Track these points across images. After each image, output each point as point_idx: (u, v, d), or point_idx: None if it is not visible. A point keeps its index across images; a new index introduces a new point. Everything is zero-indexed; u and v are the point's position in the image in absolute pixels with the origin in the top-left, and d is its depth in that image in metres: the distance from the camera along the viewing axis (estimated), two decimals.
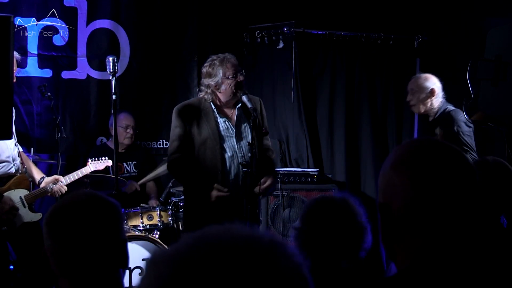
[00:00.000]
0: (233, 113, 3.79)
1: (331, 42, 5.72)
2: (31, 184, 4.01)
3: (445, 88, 5.26)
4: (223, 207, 3.66)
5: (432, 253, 1.15)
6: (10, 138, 2.93)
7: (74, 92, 5.27)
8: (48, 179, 3.98)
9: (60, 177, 4.03)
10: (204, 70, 3.76)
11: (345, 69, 5.80)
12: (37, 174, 4.03)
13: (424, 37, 5.70)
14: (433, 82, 4.29)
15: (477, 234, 1.18)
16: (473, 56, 4.01)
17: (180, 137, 3.72)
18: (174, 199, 4.97)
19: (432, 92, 4.24)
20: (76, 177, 4.19)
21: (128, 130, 5.07)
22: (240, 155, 3.75)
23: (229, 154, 3.73)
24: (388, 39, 5.69)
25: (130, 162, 5.13)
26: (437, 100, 4.26)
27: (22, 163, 3.94)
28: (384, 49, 5.74)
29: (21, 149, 4.07)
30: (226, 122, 3.75)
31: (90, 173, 4.43)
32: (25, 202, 3.85)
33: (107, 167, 4.55)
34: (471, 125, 4.11)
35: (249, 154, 3.63)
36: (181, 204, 5.00)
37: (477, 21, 5.11)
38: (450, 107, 4.26)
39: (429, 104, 4.27)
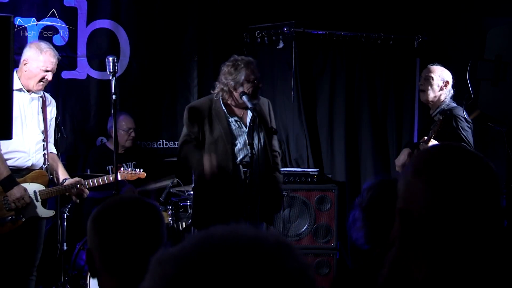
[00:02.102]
0: (244, 113, 3.83)
1: (331, 42, 5.73)
2: (51, 181, 4.03)
3: None
4: (233, 205, 3.68)
5: (453, 262, 1.12)
6: (10, 138, 2.93)
7: (74, 92, 5.27)
8: (70, 181, 3.99)
9: (81, 180, 4.02)
10: (224, 68, 3.79)
11: (345, 69, 5.80)
12: (62, 174, 4.05)
13: (424, 37, 5.70)
14: (449, 75, 4.31)
15: (500, 241, 1.15)
16: (473, 56, 4.00)
17: (192, 132, 3.77)
18: (174, 199, 4.98)
19: (446, 84, 4.25)
20: (101, 183, 4.15)
21: (130, 133, 5.06)
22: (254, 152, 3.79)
23: (241, 152, 3.76)
24: (388, 39, 5.69)
25: (130, 163, 5.13)
26: (446, 94, 4.26)
27: (46, 158, 3.96)
28: (384, 49, 5.74)
29: (54, 151, 4.14)
30: (238, 121, 3.78)
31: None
32: (38, 196, 3.86)
33: (139, 178, 4.47)
34: (471, 121, 4.12)
35: (249, 154, 3.64)
36: (181, 204, 5.01)
37: (477, 21, 5.11)
38: (453, 104, 4.27)
39: (438, 95, 4.27)
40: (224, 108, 3.80)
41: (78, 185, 3.97)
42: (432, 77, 4.26)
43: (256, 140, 3.73)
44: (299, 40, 5.64)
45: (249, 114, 3.84)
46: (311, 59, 5.83)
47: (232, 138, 3.76)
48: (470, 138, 4.11)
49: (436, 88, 4.25)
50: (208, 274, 0.73)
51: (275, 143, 4.01)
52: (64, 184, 3.97)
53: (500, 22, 4.38)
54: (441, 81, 4.26)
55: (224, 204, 3.71)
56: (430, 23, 5.72)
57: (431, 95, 4.27)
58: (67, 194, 4.06)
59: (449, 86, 4.27)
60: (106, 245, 1.62)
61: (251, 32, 5.69)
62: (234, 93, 3.75)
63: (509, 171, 3.80)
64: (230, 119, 3.79)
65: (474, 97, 3.79)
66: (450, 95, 4.29)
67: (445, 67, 4.45)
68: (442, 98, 4.27)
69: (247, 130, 3.81)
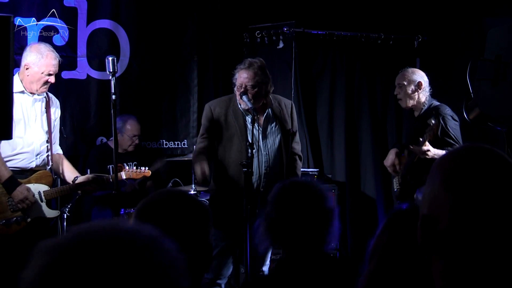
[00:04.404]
0: (260, 113, 3.86)
1: (331, 42, 5.73)
2: (56, 181, 4.05)
3: (444, 88, 5.27)
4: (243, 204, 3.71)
5: (473, 278, 1.09)
6: (10, 138, 2.93)
7: (74, 92, 5.26)
8: (81, 178, 4.00)
9: (92, 177, 4.02)
10: None
11: (345, 69, 5.80)
12: (72, 173, 4.07)
13: (424, 37, 5.70)
14: (421, 76, 4.32)
15: None
16: (473, 56, 4.00)
17: (208, 130, 3.85)
18: None
19: (419, 85, 4.27)
20: (111, 181, 4.16)
21: (134, 140, 5.07)
22: (265, 153, 3.84)
23: (254, 150, 3.79)
24: (388, 39, 5.70)
25: (131, 163, 5.13)
26: (424, 95, 4.29)
27: (50, 159, 3.98)
28: (384, 49, 5.75)
29: (60, 151, 4.17)
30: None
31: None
32: (43, 197, 3.88)
33: (144, 178, 4.47)
34: (457, 119, 4.16)
35: (249, 154, 3.65)
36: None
37: (477, 21, 5.11)
38: (436, 102, 4.30)
39: (416, 98, 4.29)
40: (241, 106, 3.84)
41: (89, 182, 3.99)
42: (404, 84, 4.31)
43: (256, 141, 3.74)
44: (299, 40, 5.64)
45: (265, 114, 3.88)
46: (311, 59, 5.83)
47: (246, 137, 3.79)
48: (458, 135, 4.15)
49: (410, 92, 4.28)
50: (79, 266, 0.77)
51: (295, 145, 4.02)
52: (76, 182, 3.98)
53: (500, 22, 4.38)
54: (412, 84, 4.28)
55: (238, 201, 3.74)
56: (430, 23, 5.72)
57: (408, 100, 4.31)
58: (79, 192, 4.09)
59: (424, 86, 4.29)
60: None
61: (251, 32, 5.69)
62: (236, 94, 3.80)
63: None
64: (247, 118, 3.83)
65: (474, 96, 3.79)
66: (428, 93, 4.32)
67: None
68: (422, 99, 4.29)
69: (261, 131, 3.84)
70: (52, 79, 3.88)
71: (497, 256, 1.08)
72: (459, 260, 1.10)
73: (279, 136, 3.89)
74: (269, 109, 3.89)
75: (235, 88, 3.82)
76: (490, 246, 1.08)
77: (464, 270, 1.10)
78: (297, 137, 4.06)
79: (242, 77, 3.77)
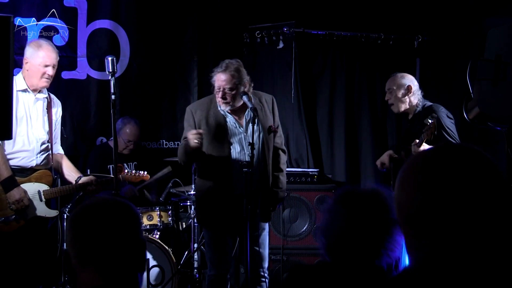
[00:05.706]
0: (242, 114, 3.86)
1: (331, 42, 5.73)
2: (57, 181, 4.07)
3: (445, 88, 5.27)
4: (230, 203, 3.74)
5: (444, 256, 1.12)
6: (10, 138, 2.93)
7: (74, 92, 5.27)
8: (84, 179, 4.02)
9: (95, 178, 4.03)
10: None
11: (345, 69, 5.80)
12: (75, 173, 4.09)
13: (424, 37, 5.70)
14: (410, 80, 4.36)
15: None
16: (473, 56, 4.00)
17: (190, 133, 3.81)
18: (174, 199, 4.98)
19: (409, 89, 4.30)
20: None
21: (129, 145, 5.07)
22: (248, 152, 3.82)
23: (237, 150, 3.79)
24: (388, 39, 5.69)
25: (131, 163, 5.13)
26: (415, 98, 4.33)
27: (51, 159, 4.00)
28: (384, 49, 5.74)
29: (61, 151, 4.20)
30: (235, 120, 3.81)
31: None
32: (42, 196, 3.88)
33: (142, 180, 4.47)
34: (452, 116, 4.19)
35: (249, 154, 3.65)
36: (181, 204, 5.03)
37: (477, 21, 5.11)
38: (428, 103, 4.33)
39: (407, 102, 4.33)
40: (221, 108, 3.83)
41: (92, 183, 4.00)
42: (394, 88, 4.35)
43: (254, 140, 3.74)
44: (299, 40, 5.64)
45: (246, 114, 3.86)
46: (311, 59, 5.83)
47: (228, 138, 3.79)
48: (455, 132, 4.19)
49: (400, 97, 4.32)
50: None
51: (278, 139, 4.02)
52: (79, 182, 3.99)
53: (500, 22, 4.38)
54: (402, 88, 4.31)
55: (223, 202, 3.74)
56: (430, 23, 5.72)
57: (400, 105, 4.34)
58: (81, 192, 4.10)
59: (414, 89, 4.32)
60: (82, 246, 1.62)
61: (251, 32, 5.69)
62: (217, 97, 3.80)
63: (509, 171, 3.80)
64: (228, 118, 3.82)
65: (474, 97, 3.79)
66: (420, 96, 4.34)
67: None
68: (414, 102, 4.32)
69: (243, 131, 3.83)
70: (49, 71, 3.88)
71: (465, 242, 1.11)
72: (427, 244, 1.14)
73: (261, 134, 3.89)
74: (251, 108, 3.88)
75: (214, 91, 3.81)
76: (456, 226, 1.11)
77: (433, 252, 1.13)
78: (280, 131, 4.08)
79: (219, 80, 3.77)
